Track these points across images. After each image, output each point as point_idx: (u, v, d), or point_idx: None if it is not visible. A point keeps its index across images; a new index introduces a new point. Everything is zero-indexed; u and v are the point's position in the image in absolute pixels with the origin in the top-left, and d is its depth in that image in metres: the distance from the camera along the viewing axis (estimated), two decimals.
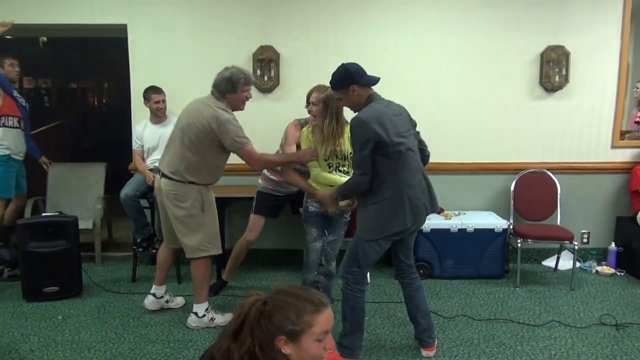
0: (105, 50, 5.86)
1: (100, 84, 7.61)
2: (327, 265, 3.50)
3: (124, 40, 4.52)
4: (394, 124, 2.86)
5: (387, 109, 2.91)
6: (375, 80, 2.96)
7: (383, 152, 2.82)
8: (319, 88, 3.37)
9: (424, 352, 3.13)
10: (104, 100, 7.73)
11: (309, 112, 3.47)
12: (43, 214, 4.28)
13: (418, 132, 3.12)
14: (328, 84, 3.07)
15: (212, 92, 3.36)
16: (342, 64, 2.97)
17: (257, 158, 3.40)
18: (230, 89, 3.30)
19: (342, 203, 3.14)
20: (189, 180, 3.31)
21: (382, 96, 3.01)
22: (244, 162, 4.54)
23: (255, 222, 3.92)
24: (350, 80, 2.90)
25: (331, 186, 3.25)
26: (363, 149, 2.81)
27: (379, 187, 2.86)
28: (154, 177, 4.21)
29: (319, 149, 3.28)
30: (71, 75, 6.96)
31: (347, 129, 3.25)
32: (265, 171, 3.85)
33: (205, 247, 3.42)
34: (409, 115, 3.05)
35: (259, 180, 3.93)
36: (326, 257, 3.48)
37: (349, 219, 3.56)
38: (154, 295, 3.70)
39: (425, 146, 3.18)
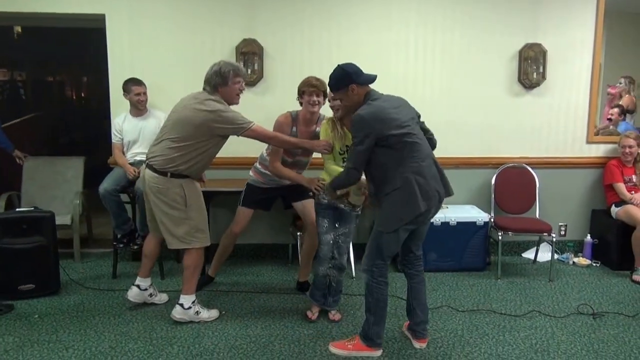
0: (83, 42, 5.74)
1: (79, 76, 7.43)
2: (339, 258, 3.46)
3: (103, 31, 4.41)
4: (393, 117, 2.88)
5: (385, 104, 2.94)
6: (373, 79, 3.02)
7: (385, 144, 2.86)
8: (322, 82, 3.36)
9: (417, 344, 3.15)
10: (82, 94, 7.55)
11: (310, 103, 3.48)
12: (17, 209, 4.16)
13: (422, 122, 3.16)
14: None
15: (204, 88, 3.33)
16: (339, 65, 3.03)
17: (272, 135, 3.40)
18: (221, 82, 3.27)
19: (339, 192, 3.19)
20: (171, 174, 3.26)
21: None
22: (229, 155, 4.54)
23: (241, 214, 3.87)
24: (349, 79, 2.95)
25: None
26: (360, 144, 2.86)
27: (389, 178, 2.89)
28: (134, 172, 4.14)
29: (337, 143, 3.31)
30: (48, 68, 6.79)
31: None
32: (257, 164, 3.82)
33: (186, 239, 3.37)
34: (409, 105, 3.08)
35: (250, 173, 3.88)
36: (338, 250, 3.45)
37: (359, 212, 3.55)
38: (138, 287, 3.62)
39: (432, 134, 3.21)
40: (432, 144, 3.17)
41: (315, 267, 3.51)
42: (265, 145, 3.68)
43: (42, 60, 6.33)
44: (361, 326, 3.09)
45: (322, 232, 3.44)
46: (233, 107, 3.33)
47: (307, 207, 3.77)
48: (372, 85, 3.06)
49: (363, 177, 3.07)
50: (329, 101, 3.39)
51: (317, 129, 3.58)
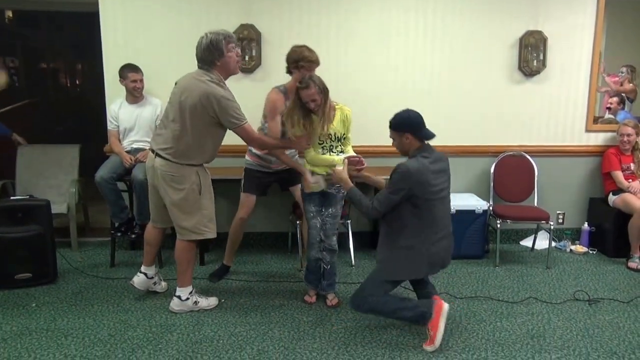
0: (77, 27, 5.67)
1: (74, 63, 7.34)
2: (327, 240, 3.48)
3: (96, 16, 4.35)
4: (433, 181, 2.99)
5: (432, 165, 3.01)
6: (430, 137, 3.08)
7: (415, 203, 2.97)
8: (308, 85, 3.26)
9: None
10: (77, 81, 7.46)
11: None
12: (12, 197, 4.13)
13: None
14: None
15: (200, 67, 3.21)
16: (407, 110, 3.09)
17: (256, 137, 3.35)
18: (218, 54, 3.15)
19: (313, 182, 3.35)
20: (186, 162, 3.19)
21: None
22: (229, 143, 4.51)
23: (245, 199, 3.85)
24: (408, 128, 3.04)
25: (328, 166, 3.37)
26: (394, 193, 2.97)
27: (404, 234, 3.03)
28: (130, 160, 4.11)
29: (317, 133, 3.33)
30: (42, 54, 6.71)
31: (344, 112, 3.42)
32: (250, 147, 3.79)
33: (200, 230, 3.31)
34: (447, 167, 3.15)
35: (246, 156, 3.85)
36: (325, 233, 3.47)
37: (344, 194, 3.54)
38: (145, 274, 3.56)
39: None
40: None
41: (307, 251, 3.54)
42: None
43: (35, 46, 6.26)
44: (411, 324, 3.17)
45: (310, 217, 3.48)
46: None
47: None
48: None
49: (339, 168, 3.22)
50: (312, 101, 3.26)
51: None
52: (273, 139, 3.48)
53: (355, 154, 3.40)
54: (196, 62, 3.23)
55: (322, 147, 3.41)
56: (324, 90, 3.27)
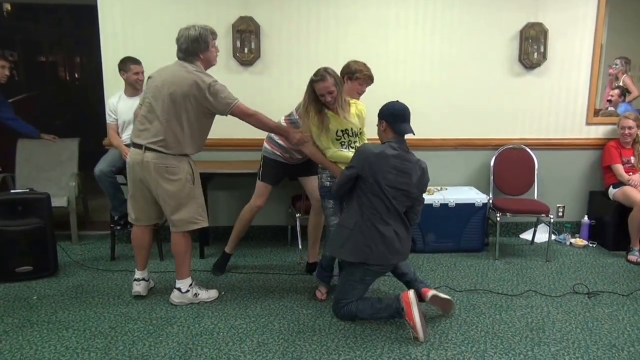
0: (76, 20, 5.65)
1: (72, 56, 7.32)
2: None
3: (95, 9, 4.33)
4: (387, 174, 3.03)
5: (393, 159, 3.05)
6: (405, 132, 3.11)
7: (363, 184, 3.06)
8: (324, 77, 3.26)
9: (430, 293, 3.25)
10: (76, 74, 7.45)
11: (359, 92, 3.55)
12: (12, 191, 4.13)
13: (419, 200, 3.23)
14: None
15: (182, 58, 3.24)
16: (397, 101, 3.17)
17: (252, 113, 3.32)
18: (204, 47, 3.23)
19: None
20: (179, 153, 3.22)
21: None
22: (227, 137, 4.52)
23: (262, 188, 3.78)
24: (385, 116, 3.13)
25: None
26: (348, 169, 3.10)
27: (349, 212, 3.17)
28: None
29: (334, 128, 3.35)
30: (40, 48, 6.69)
31: (358, 107, 3.46)
32: (273, 135, 3.69)
33: (196, 219, 3.35)
34: (421, 177, 3.16)
35: (265, 145, 3.76)
36: None
37: None
38: (144, 280, 3.54)
39: (417, 215, 3.27)
40: (410, 218, 3.22)
41: (324, 250, 3.51)
42: (285, 113, 3.65)
43: (34, 39, 6.25)
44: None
45: (329, 214, 3.45)
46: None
47: (312, 183, 3.75)
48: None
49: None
50: (324, 95, 3.27)
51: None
52: (270, 120, 3.41)
53: None
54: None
55: (341, 144, 3.39)
56: (339, 83, 3.28)
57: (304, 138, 3.34)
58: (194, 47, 3.20)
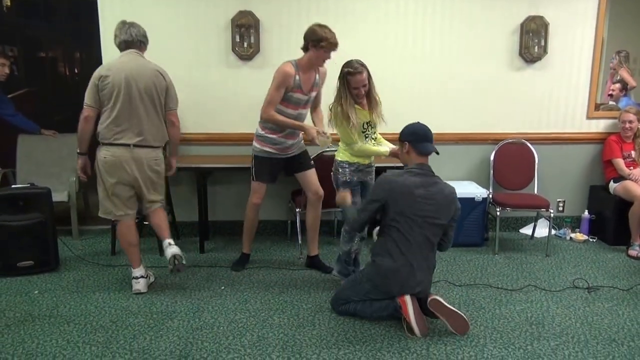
0: (76, 16, 5.65)
1: (72, 52, 7.31)
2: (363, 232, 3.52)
3: (95, 4, 4.33)
4: (414, 204, 2.95)
5: (417, 187, 2.97)
6: (430, 151, 3.04)
7: (389, 216, 3.00)
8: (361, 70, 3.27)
9: (431, 297, 3.19)
10: (76, 70, 7.44)
11: (323, 59, 3.49)
12: (13, 186, 4.14)
13: (451, 226, 3.13)
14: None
15: (134, 50, 3.40)
16: (417, 122, 3.11)
17: (178, 124, 3.56)
18: (146, 44, 3.49)
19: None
20: (161, 144, 3.50)
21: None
22: (225, 132, 4.52)
23: (257, 187, 3.79)
24: (408, 136, 3.06)
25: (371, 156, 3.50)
26: (370, 202, 3.05)
27: (376, 246, 3.14)
28: None
29: (361, 120, 3.36)
30: (40, 43, 6.68)
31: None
32: (261, 131, 3.70)
33: (163, 199, 3.67)
34: (450, 205, 3.05)
35: (254, 144, 3.75)
36: None
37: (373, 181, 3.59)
38: (142, 276, 3.56)
39: (449, 240, 3.20)
40: (441, 248, 3.20)
41: (345, 244, 3.53)
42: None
43: (34, 35, 6.23)
44: None
45: (352, 210, 3.37)
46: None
47: (308, 177, 3.76)
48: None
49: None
50: (358, 88, 3.27)
51: (317, 77, 3.59)
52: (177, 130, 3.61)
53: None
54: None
55: (366, 137, 3.40)
56: (370, 75, 3.28)
57: (322, 135, 3.40)
58: (145, 40, 3.45)
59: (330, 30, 3.40)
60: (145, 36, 3.45)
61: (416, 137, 3.03)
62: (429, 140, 3.04)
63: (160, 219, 3.60)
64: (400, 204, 2.95)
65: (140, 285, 3.53)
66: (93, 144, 3.49)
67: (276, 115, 3.52)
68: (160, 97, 3.39)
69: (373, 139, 3.46)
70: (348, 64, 3.25)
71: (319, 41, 3.38)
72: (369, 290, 3.12)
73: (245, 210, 3.90)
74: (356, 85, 3.24)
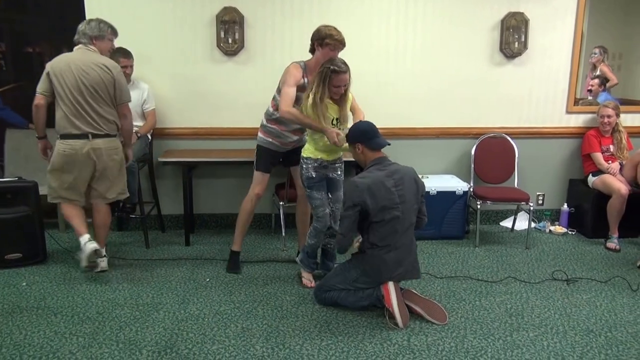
0: (64, 11, 5.60)
1: (60, 47, 7.26)
2: (334, 226, 3.56)
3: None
4: (388, 195, 3.02)
5: (386, 179, 3.04)
6: (382, 145, 3.11)
7: (368, 217, 3.05)
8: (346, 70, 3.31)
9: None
10: None
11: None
12: (1, 180, 4.15)
13: (422, 202, 3.24)
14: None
15: (83, 43, 3.52)
16: (359, 121, 3.22)
17: (129, 116, 3.65)
18: (97, 36, 3.54)
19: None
20: (116, 132, 3.62)
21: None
22: (210, 126, 4.55)
23: (260, 177, 3.77)
24: (358, 138, 3.12)
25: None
26: (349, 209, 3.04)
27: (366, 241, 3.16)
28: None
29: (331, 116, 3.38)
30: (28, 38, 6.64)
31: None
32: (265, 122, 3.70)
33: (124, 190, 3.76)
34: (414, 181, 3.15)
35: (259, 134, 3.74)
36: (334, 218, 3.56)
37: (342, 177, 3.66)
38: (91, 240, 3.60)
39: (424, 215, 3.30)
40: (420, 224, 3.28)
41: (312, 238, 3.56)
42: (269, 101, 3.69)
43: (21, 30, 6.20)
44: None
45: (318, 205, 3.48)
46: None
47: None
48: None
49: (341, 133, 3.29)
50: (339, 87, 3.31)
51: None
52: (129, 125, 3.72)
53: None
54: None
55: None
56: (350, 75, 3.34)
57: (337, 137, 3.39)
58: (97, 32, 3.55)
59: (335, 29, 3.42)
60: (93, 27, 3.53)
61: (366, 136, 3.11)
62: (378, 135, 3.13)
63: (106, 219, 3.73)
64: (379, 200, 3.01)
65: (94, 243, 3.50)
66: None
67: (295, 111, 3.42)
68: (108, 90, 3.49)
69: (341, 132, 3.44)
70: (333, 62, 3.28)
71: (323, 39, 3.40)
72: (357, 278, 3.17)
73: (243, 203, 3.82)
74: (339, 83, 3.29)
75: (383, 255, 3.06)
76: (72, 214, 3.62)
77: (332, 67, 3.24)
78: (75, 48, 3.54)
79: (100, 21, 3.57)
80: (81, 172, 3.51)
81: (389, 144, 3.16)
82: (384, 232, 3.05)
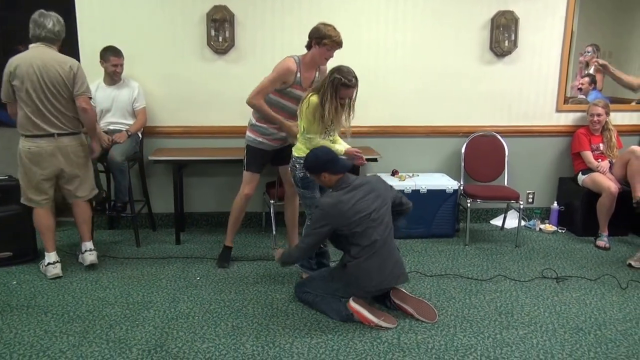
0: (56, 9, 5.57)
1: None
2: None
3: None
4: (357, 209, 3.04)
5: (356, 194, 3.07)
6: (347, 167, 3.17)
7: (341, 233, 3.06)
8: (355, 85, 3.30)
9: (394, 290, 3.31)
10: None
11: (326, 57, 3.51)
12: None
13: (397, 196, 3.29)
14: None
15: (45, 44, 3.49)
16: (313, 151, 3.19)
17: (90, 110, 3.63)
18: (58, 37, 3.55)
19: None
20: (81, 129, 3.67)
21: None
22: (200, 124, 4.54)
23: (249, 177, 3.79)
24: (322, 168, 3.13)
25: None
26: (318, 228, 3.06)
27: (345, 256, 3.17)
28: (108, 140, 4.13)
29: (331, 120, 3.36)
30: (19, 36, 6.58)
31: None
32: (254, 120, 3.71)
33: (95, 187, 3.85)
34: (384, 188, 3.20)
35: (248, 133, 3.76)
36: None
37: None
38: (57, 262, 3.68)
39: (406, 205, 3.34)
40: (404, 210, 3.32)
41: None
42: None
43: (12, 29, 6.16)
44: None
45: (309, 204, 3.46)
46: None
47: (288, 171, 3.79)
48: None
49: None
50: (344, 99, 3.30)
51: (317, 75, 3.60)
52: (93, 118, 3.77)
53: (354, 148, 3.42)
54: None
55: (325, 132, 3.41)
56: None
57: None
58: (60, 34, 3.55)
59: (334, 29, 3.42)
60: (58, 31, 3.52)
61: (329, 164, 3.12)
62: (337, 158, 3.17)
63: (86, 215, 3.80)
64: (354, 218, 3.02)
65: (57, 269, 3.64)
66: None
67: (263, 104, 3.53)
68: (68, 86, 3.49)
69: (331, 136, 3.46)
70: (343, 72, 3.22)
71: (321, 38, 3.41)
72: (337, 289, 3.17)
73: (234, 201, 3.86)
74: (344, 96, 3.27)
75: (362, 264, 3.04)
76: (43, 227, 3.67)
77: (343, 79, 3.20)
78: (34, 45, 3.50)
79: (54, 17, 3.54)
80: (46, 169, 3.54)
81: (353, 164, 3.24)
82: (361, 242, 3.04)
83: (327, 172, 3.11)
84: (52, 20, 3.47)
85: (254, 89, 3.55)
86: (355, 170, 4.27)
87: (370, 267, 3.05)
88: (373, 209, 3.07)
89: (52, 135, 3.48)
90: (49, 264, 3.62)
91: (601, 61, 3.71)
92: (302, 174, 3.43)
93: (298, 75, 3.52)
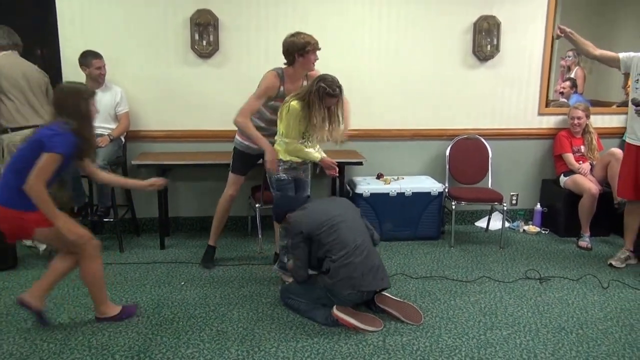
0: (37, 11, 5.51)
1: (33, 48, 7.14)
2: None
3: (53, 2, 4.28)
4: (324, 210, 3.18)
5: (316, 202, 3.27)
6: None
7: (316, 240, 3.12)
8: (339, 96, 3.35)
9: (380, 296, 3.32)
10: (37, 66, 7.30)
11: (313, 62, 3.55)
12: None
13: (362, 216, 3.38)
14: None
15: (14, 50, 3.90)
16: (276, 203, 3.45)
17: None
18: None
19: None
20: None
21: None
22: (184, 129, 4.53)
23: (234, 178, 3.87)
24: (287, 212, 3.31)
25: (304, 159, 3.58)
26: (295, 238, 3.14)
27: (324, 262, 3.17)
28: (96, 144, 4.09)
29: (314, 128, 3.39)
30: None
31: None
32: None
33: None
34: (348, 202, 3.41)
35: (237, 137, 3.81)
36: None
37: (309, 178, 3.73)
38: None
39: (372, 230, 3.38)
40: (373, 240, 3.34)
41: (282, 239, 3.57)
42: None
43: None
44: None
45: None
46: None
47: None
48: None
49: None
50: (331, 104, 3.35)
51: (304, 83, 3.60)
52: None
53: (330, 159, 3.51)
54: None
55: (303, 138, 3.46)
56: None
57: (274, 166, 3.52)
58: (20, 41, 3.94)
59: (305, 34, 3.48)
60: (19, 39, 3.98)
61: (295, 205, 3.29)
62: (299, 201, 3.36)
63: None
64: (324, 217, 3.10)
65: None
66: None
67: (249, 124, 3.56)
68: (42, 91, 3.91)
69: (310, 142, 3.49)
70: (328, 82, 3.26)
71: (303, 48, 3.45)
72: (320, 297, 3.15)
73: (219, 202, 3.93)
74: (328, 105, 3.32)
75: (342, 269, 3.03)
76: None
77: (327, 89, 3.25)
78: (5, 53, 3.87)
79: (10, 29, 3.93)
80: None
81: (309, 196, 3.44)
82: (337, 246, 3.05)
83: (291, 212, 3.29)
84: (12, 33, 3.92)
85: (240, 108, 3.56)
86: (333, 179, 4.39)
87: (351, 271, 3.03)
88: (343, 211, 3.18)
89: (37, 127, 3.37)
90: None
91: (562, 27, 3.83)
92: (278, 175, 3.46)
93: (281, 89, 3.56)
